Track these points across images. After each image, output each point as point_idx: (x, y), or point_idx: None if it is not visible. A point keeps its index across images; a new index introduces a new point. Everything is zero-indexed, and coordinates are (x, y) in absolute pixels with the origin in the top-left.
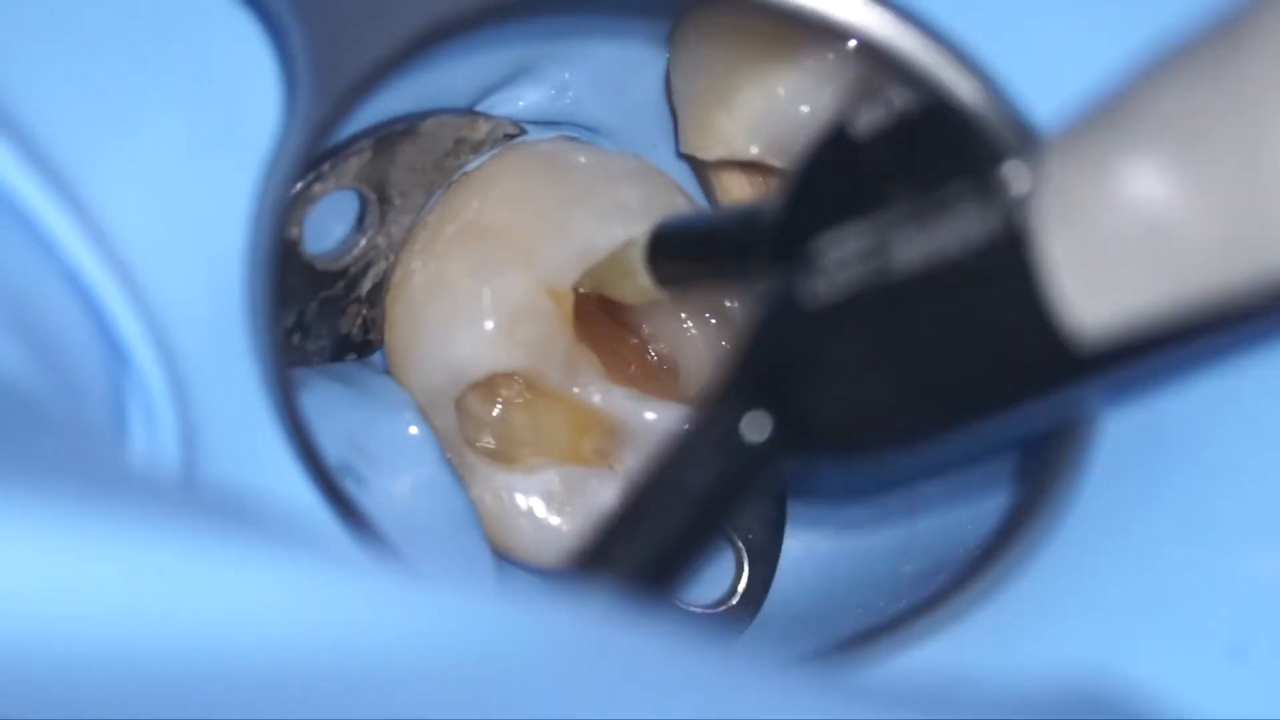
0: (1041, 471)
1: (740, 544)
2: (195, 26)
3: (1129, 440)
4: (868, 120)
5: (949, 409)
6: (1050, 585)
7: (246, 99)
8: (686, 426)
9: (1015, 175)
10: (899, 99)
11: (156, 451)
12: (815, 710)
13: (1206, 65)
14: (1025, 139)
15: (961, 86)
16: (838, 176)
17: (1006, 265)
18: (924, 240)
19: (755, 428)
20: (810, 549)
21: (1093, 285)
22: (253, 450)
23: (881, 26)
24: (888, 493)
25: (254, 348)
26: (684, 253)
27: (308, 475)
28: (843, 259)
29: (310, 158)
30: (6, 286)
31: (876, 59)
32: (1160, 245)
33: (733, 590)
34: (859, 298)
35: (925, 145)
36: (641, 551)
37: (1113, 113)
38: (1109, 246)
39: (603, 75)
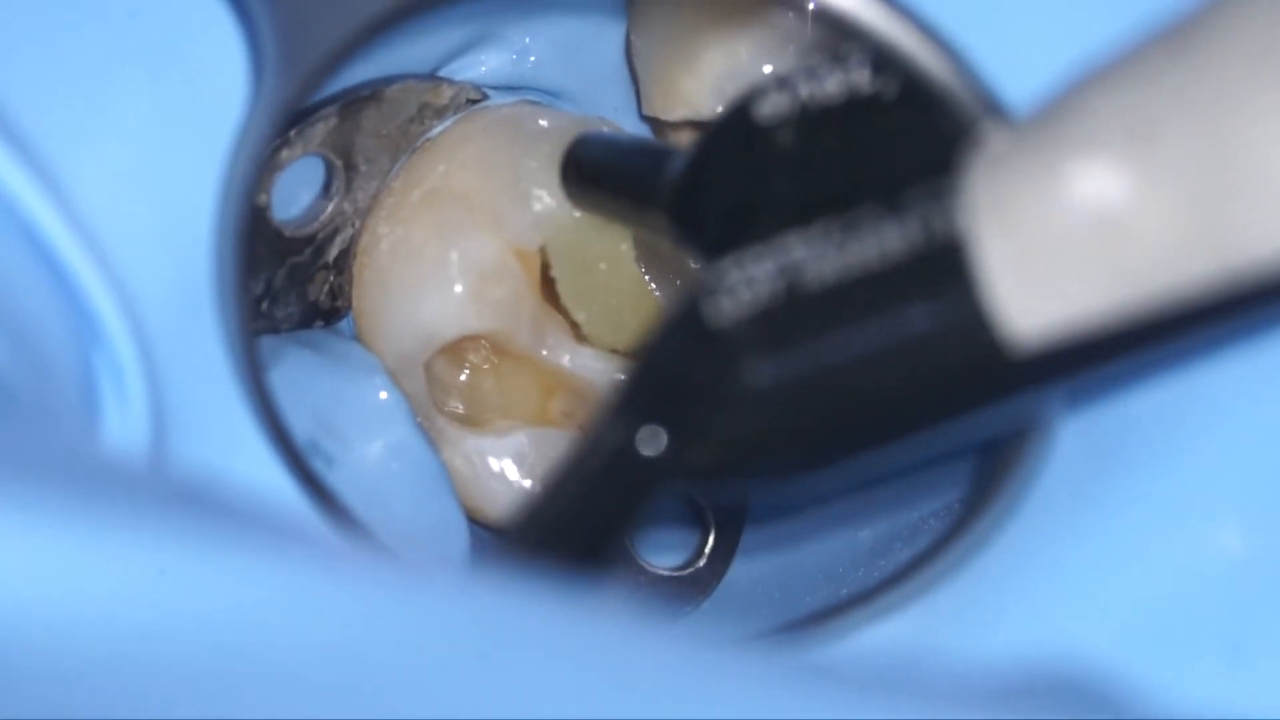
0: (1002, 448)
1: (707, 507)
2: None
3: (1094, 419)
4: (772, 106)
5: (867, 427)
6: (1014, 564)
7: (214, 72)
8: (583, 435)
9: (946, 182)
10: (806, 87)
11: (128, 429)
12: (776, 692)
13: (1164, 63)
14: (969, 127)
15: (925, 58)
16: (737, 160)
17: (932, 275)
18: (840, 256)
19: (650, 442)
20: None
21: (1037, 289)
22: (222, 430)
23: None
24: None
25: (222, 325)
26: (591, 178)
27: (277, 457)
28: (751, 276)
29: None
30: None
31: (835, 26)
32: (1115, 244)
33: (699, 553)
34: (768, 316)
35: (838, 144)
36: (540, 562)
37: (1061, 114)
38: (1057, 248)
39: (563, 40)
